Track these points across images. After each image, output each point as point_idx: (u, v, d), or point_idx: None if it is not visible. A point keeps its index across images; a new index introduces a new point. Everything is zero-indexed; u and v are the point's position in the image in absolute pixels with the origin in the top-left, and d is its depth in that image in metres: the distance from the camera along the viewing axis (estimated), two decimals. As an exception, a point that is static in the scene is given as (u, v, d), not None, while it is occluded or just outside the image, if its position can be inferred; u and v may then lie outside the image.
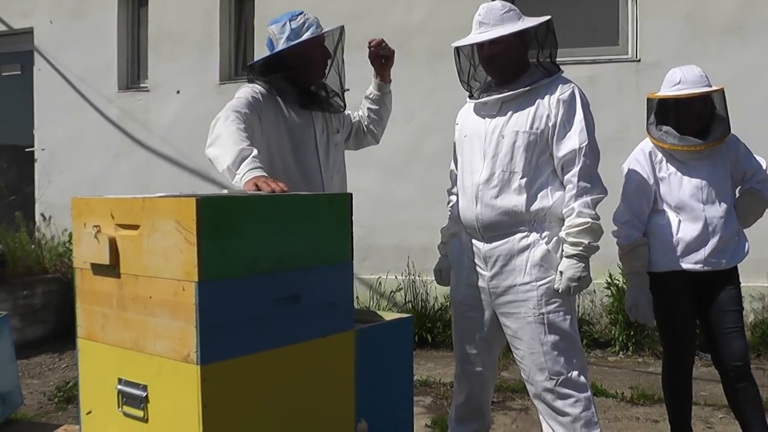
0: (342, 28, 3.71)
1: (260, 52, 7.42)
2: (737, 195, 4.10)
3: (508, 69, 3.53)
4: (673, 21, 6.84)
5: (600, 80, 6.84)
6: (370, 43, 3.84)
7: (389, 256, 7.16)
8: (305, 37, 3.54)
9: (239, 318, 2.33)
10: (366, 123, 4.00)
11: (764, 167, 4.10)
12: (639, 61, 6.94)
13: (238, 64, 8.12)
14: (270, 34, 3.62)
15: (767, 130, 6.40)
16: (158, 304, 2.33)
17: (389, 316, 2.97)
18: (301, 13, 3.59)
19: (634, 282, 4.05)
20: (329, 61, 3.68)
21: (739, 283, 4.06)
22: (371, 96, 3.98)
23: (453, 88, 3.82)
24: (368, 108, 4.00)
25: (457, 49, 3.67)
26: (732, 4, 6.76)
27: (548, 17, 3.55)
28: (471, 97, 3.69)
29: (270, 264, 2.40)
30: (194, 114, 7.66)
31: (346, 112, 3.89)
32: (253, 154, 3.02)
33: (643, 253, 3.97)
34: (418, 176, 7.01)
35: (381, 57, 3.86)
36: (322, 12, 7.47)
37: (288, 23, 3.56)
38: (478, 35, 3.53)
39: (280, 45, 3.57)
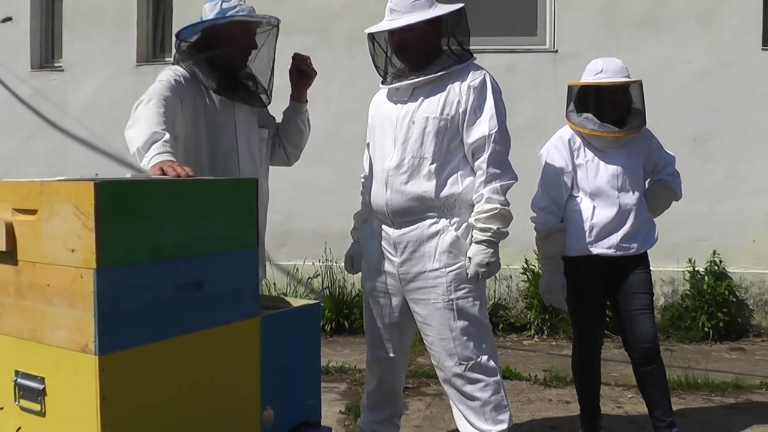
0: (271, 20, 3.67)
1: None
2: (647, 186, 4.24)
3: (419, 55, 3.54)
4: (590, 13, 6.97)
5: (518, 69, 6.92)
6: (294, 56, 3.80)
7: (307, 242, 7.13)
8: (232, 16, 3.50)
9: (140, 306, 2.28)
10: (278, 137, 3.92)
11: (674, 161, 4.26)
12: (556, 51, 7.05)
13: (156, 45, 7.96)
14: (202, 12, 3.57)
15: (679, 122, 6.61)
16: (56, 292, 2.27)
17: (297, 302, 2.96)
18: None
19: (549, 267, 4.13)
20: (254, 52, 3.64)
21: (649, 268, 4.18)
22: (284, 113, 3.92)
23: (372, 73, 3.81)
24: (280, 123, 3.93)
25: (371, 36, 3.67)
26: (645, -1, 6.91)
27: (461, 5, 3.58)
28: (384, 82, 3.69)
29: (173, 250, 2.36)
30: (111, 95, 7.49)
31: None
32: (164, 138, 2.98)
33: (559, 239, 4.05)
34: (337, 162, 6.98)
35: (302, 72, 3.81)
36: (242, -8, 7.37)
37: (220, 3, 3.51)
38: (389, 22, 3.54)
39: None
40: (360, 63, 6.66)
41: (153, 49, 7.89)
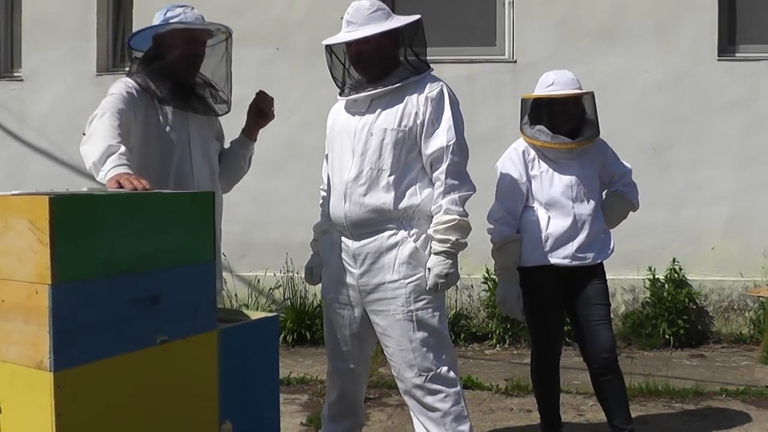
0: (226, 29, 3.66)
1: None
2: (604, 197, 4.30)
3: (376, 67, 3.55)
4: (549, 24, 7.02)
5: (478, 79, 6.96)
6: (258, 93, 3.81)
7: (268, 253, 7.09)
8: (170, 24, 3.50)
9: (96, 321, 2.26)
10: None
11: (630, 172, 4.32)
12: (515, 61, 7.09)
13: (117, 54, 7.89)
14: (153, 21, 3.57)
15: (636, 131, 6.69)
16: (11, 308, 2.25)
17: (255, 315, 2.95)
18: (183, 6, 3.54)
19: (504, 277, 4.15)
20: (208, 60, 3.63)
21: (606, 278, 4.23)
22: (231, 143, 3.90)
23: (332, 84, 3.82)
24: (224, 150, 3.89)
25: (328, 47, 3.67)
26: (603, 10, 6.99)
27: (417, 17, 3.60)
28: (341, 94, 3.70)
29: (129, 264, 2.34)
30: (71, 106, 7.41)
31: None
32: (119, 151, 2.96)
33: (514, 249, 4.08)
34: (297, 172, 6.97)
35: (261, 111, 3.82)
36: (201, 5, 7.31)
37: (166, 12, 3.52)
38: (346, 34, 3.56)
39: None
40: (319, 73, 6.61)
41: (113, 59, 7.83)
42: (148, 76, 3.48)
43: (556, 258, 4.08)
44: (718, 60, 6.94)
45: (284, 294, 7.08)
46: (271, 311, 6.91)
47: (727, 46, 7.05)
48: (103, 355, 2.28)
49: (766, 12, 7.10)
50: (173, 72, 3.52)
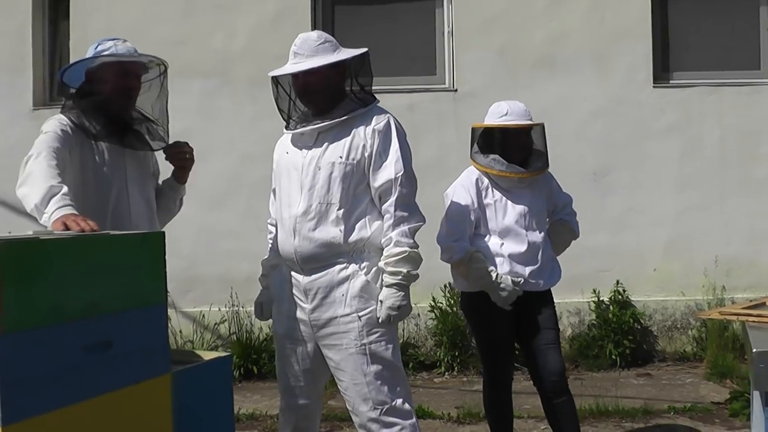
0: (161, 61, 3.59)
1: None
2: (549, 225, 4.33)
3: (323, 99, 3.53)
4: (488, 53, 7.12)
5: (419, 108, 7.00)
6: (166, 148, 3.67)
7: (213, 288, 7.00)
8: (100, 59, 3.43)
9: (46, 371, 2.18)
10: None
11: (571, 201, 4.41)
12: (456, 90, 7.16)
13: (54, 88, 7.76)
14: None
15: (579, 158, 6.80)
16: (-43, 360, 2.15)
17: (208, 355, 2.90)
18: (115, 39, 3.49)
19: (491, 286, 4.04)
20: (144, 94, 3.55)
21: (554, 303, 4.27)
22: (163, 183, 3.82)
23: (275, 116, 3.79)
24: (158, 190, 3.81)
25: (275, 79, 3.65)
26: (541, 40, 7.13)
27: (364, 50, 3.60)
28: (288, 127, 3.67)
29: (79, 310, 2.27)
30: (6, 141, 7.24)
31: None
32: (62, 192, 2.89)
33: (480, 257, 4.06)
34: (241, 205, 6.91)
35: (178, 162, 3.72)
36: (142, 36, 7.28)
37: (97, 45, 3.46)
38: (293, 65, 3.54)
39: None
40: (261, 106, 6.64)
41: (50, 92, 7.68)
42: (82, 112, 3.39)
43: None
44: (654, 87, 7.13)
45: (230, 329, 6.98)
46: (216, 347, 6.86)
47: (662, 73, 7.25)
48: (55, 405, 2.20)
49: (697, 40, 7.33)
50: (107, 107, 3.43)
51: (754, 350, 2.56)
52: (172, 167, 3.75)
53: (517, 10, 7.15)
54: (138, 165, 3.58)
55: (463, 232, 4.11)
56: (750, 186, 7.08)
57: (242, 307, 6.87)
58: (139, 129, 3.53)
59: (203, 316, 7.01)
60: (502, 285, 4.02)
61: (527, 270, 4.10)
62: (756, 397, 2.75)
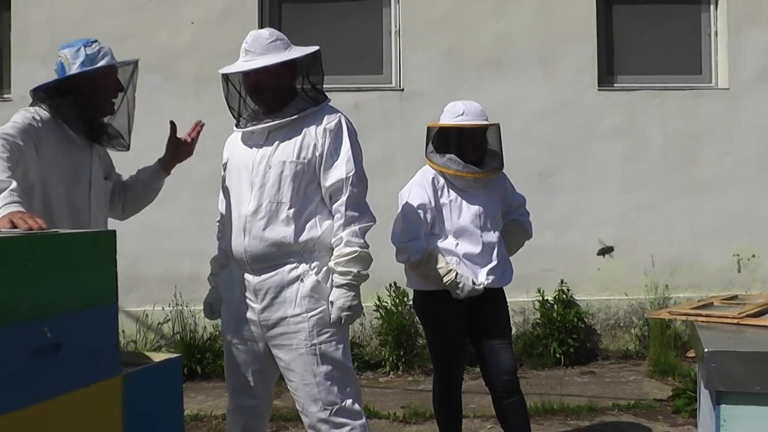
0: (137, 62, 3.57)
1: (17, 68, 6.99)
2: (503, 226, 4.34)
3: (274, 98, 3.51)
4: (435, 53, 7.14)
5: (365, 108, 6.99)
6: (196, 125, 3.76)
7: (156, 287, 6.90)
8: (101, 64, 3.40)
9: (-7, 375, 2.10)
10: (119, 189, 3.77)
11: (525, 202, 4.44)
12: (402, 90, 7.18)
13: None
14: (61, 59, 3.42)
15: (525, 158, 6.85)
16: None
17: (157, 356, 2.84)
18: (95, 41, 3.44)
19: (452, 283, 4.06)
20: (120, 94, 3.53)
21: (507, 303, 4.31)
22: (142, 174, 3.78)
23: (220, 113, 3.75)
24: (130, 180, 3.79)
25: (225, 76, 3.61)
26: (488, 40, 7.18)
27: (316, 48, 3.58)
28: (238, 125, 3.63)
29: (27, 311, 2.18)
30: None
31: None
32: (10, 187, 2.80)
33: (438, 256, 4.07)
34: (185, 203, 6.81)
35: (187, 146, 3.76)
36: (85, 30, 7.13)
37: (83, 48, 3.39)
38: (244, 63, 3.51)
39: (73, 70, 3.38)
40: (206, 103, 6.58)
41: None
42: (62, 109, 3.36)
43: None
44: (599, 89, 7.25)
45: (173, 328, 6.90)
46: (160, 347, 6.77)
47: (607, 77, 7.38)
48: (2, 410, 2.12)
49: (641, 44, 7.48)
50: (96, 109, 3.45)
51: (706, 350, 2.60)
52: (164, 157, 3.75)
53: (463, 11, 7.19)
54: (100, 165, 3.55)
55: (419, 231, 4.10)
56: (692, 188, 7.25)
57: (186, 306, 6.80)
58: (116, 128, 3.53)
59: (146, 315, 6.90)
60: (460, 285, 4.04)
61: (482, 270, 4.12)
62: (705, 396, 2.79)
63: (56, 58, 3.45)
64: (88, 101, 3.40)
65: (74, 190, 3.38)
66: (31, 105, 3.42)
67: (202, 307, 3.86)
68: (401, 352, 6.80)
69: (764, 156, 7.31)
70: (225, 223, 3.67)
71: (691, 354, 6.69)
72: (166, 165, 3.77)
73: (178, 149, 3.76)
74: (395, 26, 7.29)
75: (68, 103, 3.37)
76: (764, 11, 7.35)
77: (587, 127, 7.19)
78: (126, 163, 3.82)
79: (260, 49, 3.48)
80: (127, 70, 3.55)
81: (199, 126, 3.79)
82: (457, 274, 4.04)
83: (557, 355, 6.79)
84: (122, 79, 3.53)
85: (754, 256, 7.29)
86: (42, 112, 3.34)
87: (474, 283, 4.06)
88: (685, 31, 7.52)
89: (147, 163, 3.79)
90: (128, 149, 3.61)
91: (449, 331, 4.17)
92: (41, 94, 3.41)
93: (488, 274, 4.13)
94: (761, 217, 7.28)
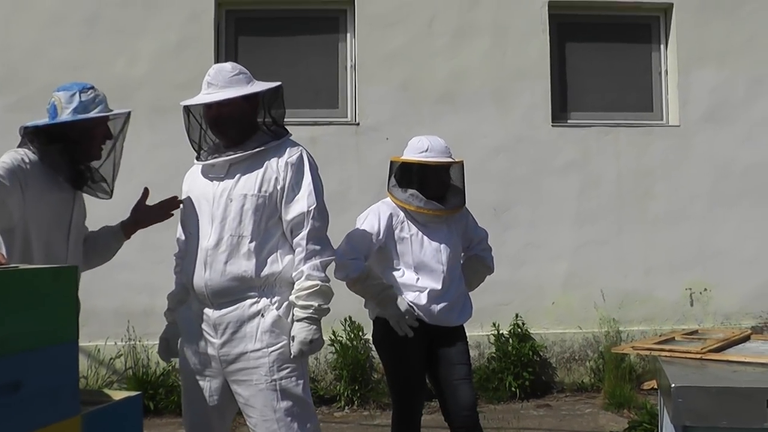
0: (129, 114, 3.56)
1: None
2: (463, 260, 4.38)
3: (235, 131, 3.49)
4: (390, 88, 7.20)
5: (321, 141, 6.99)
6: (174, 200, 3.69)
7: (108, 321, 6.76)
8: (94, 113, 3.38)
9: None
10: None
11: (487, 237, 4.45)
12: (358, 124, 7.20)
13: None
14: (55, 100, 3.39)
15: (479, 193, 6.84)
16: None
17: (116, 394, 2.78)
18: (92, 87, 3.42)
19: (388, 300, 4.06)
20: (109, 142, 3.50)
21: (467, 339, 4.29)
22: (103, 232, 3.75)
23: (174, 145, 3.72)
24: (91, 234, 3.74)
25: (186, 108, 3.59)
26: (443, 76, 7.26)
27: (278, 83, 3.59)
28: (198, 158, 3.61)
29: (-14, 348, 2.14)
30: None
31: None
32: None
33: (375, 274, 4.07)
34: (138, 236, 6.60)
35: (162, 214, 3.72)
36: (39, 58, 7.08)
37: (78, 94, 3.36)
38: (206, 96, 3.50)
39: (65, 115, 3.35)
40: (161, 135, 6.55)
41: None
42: (50, 153, 3.33)
43: (425, 318, 4.09)
44: (552, 126, 7.37)
45: (126, 363, 6.77)
46: (112, 382, 6.63)
47: (560, 113, 7.50)
48: (-45, 450, 2.06)
49: (593, 82, 7.64)
50: (84, 155, 3.43)
51: (673, 385, 2.63)
52: (127, 221, 3.73)
53: (419, 46, 7.26)
54: (80, 210, 3.54)
55: (361, 254, 4.10)
56: (645, 222, 7.37)
57: (139, 341, 6.69)
58: (101, 174, 3.52)
59: (98, 350, 6.77)
60: (397, 302, 4.03)
61: (440, 308, 4.11)
62: (671, 430, 2.81)
63: (37, 93, 3.42)
64: (77, 149, 3.38)
65: (54, 233, 3.36)
66: (20, 143, 3.39)
67: (155, 342, 3.81)
68: (356, 387, 6.76)
69: (715, 191, 7.48)
70: (184, 257, 3.62)
71: (646, 386, 6.76)
72: (127, 228, 3.74)
73: (147, 215, 3.74)
74: (351, 61, 7.33)
75: (56, 148, 3.34)
76: (712, 51, 7.56)
77: (541, 163, 7.29)
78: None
79: (223, 82, 3.47)
80: (119, 120, 3.53)
81: (177, 202, 3.71)
82: (392, 289, 4.04)
83: (513, 389, 6.81)
84: (113, 127, 3.51)
85: (706, 289, 7.42)
86: (31, 155, 3.32)
87: (411, 306, 4.04)
88: (637, 70, 7.71)
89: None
90: (111, 196, 3.59)
91: (410, 366, 4.15)
92: (30, 134, 3.38)
93: (448, 312, 4.14)
94: (713, 251, 7.43)
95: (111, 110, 3.47)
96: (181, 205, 3.68)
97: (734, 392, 2.67)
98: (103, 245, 3.73)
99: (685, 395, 2.63)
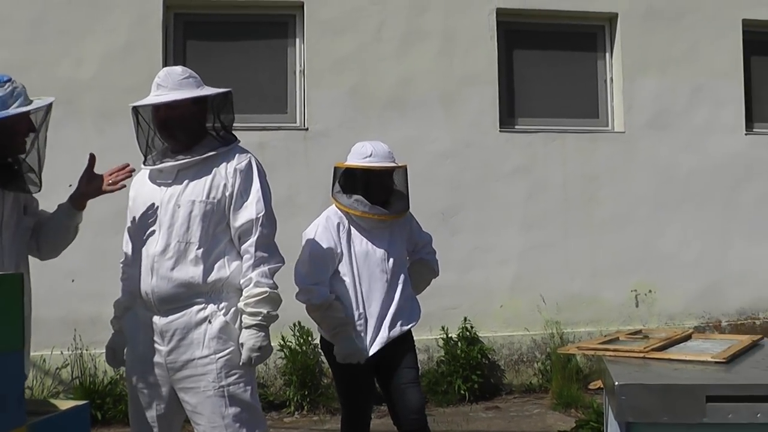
0: (50, 105, 3.42)
1: None
2: (409, 265, 4.40)
3: (184, 135, 3.48)
4: (339, 93, 7.21)
5: (269, 147, 6.97)
6: (123, 168, 3.55)
7: (55, 330, 6.61)
8: (14, 108, 3.26)
9: None
10: (36, 228, 3.60)
11: (431, 240, 4.48)
12: (307, 129, 7.19)
13: None
14: None
15: (427, 198, 6.93)
16: None
17: (64, 404, 2.74)
18: (9, 80, 3.29)
19: (344, 334, 4.07)
20: (32, 135, 3.38)
21: (414, 342, 4.32)
22: (56, 214, 3.61)
23: (123, 150, 3.67)
24: (45, 219, 3.62)
25: (135, 110, 3.56)
26: (391, 82, 7.30)
27: (228, 89, 3.58)
28: (145, 163, 3.58)
29: (-74, 358, 2.11)
30: None
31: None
32: None
33: (338, 306, 4.07)
34: (86, 243, 6.55)
35: (111, 184, 3.55)
36: (-17, 59, 6.86)
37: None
38: (155, 97, 3.47)
39: None
40: (109, 139, 6.45)
41: None
42: None
43: (370, 328, 4.11)
44: (500, 132, 7.44)
45: (72, 373, 6.66)
46: (58, 392, 6.51)
47: (508, 119, 7.58)
48: None
49: (540, 89, 7.75)
50: (6, 150, 3.33)
51: (616, 383, 2.69)
52: (73, 194, 3.55)
53: (368, 52, 7.28)
54: (12, 208, 3.41)
55: (324, 276, 4.10)
56: (591, 226, 7.50)
57: (86, 350, 6.59)
58: (27, 172, 3.39)
59: (44, 360, 6.64)
60: (348, 342, 4.04)
61: (388, 313, 4.13)
62: (614, 427, 2.88)
63: None
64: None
65: None
66: None
67: (102, 350, 3.76)
68: (306, 392, 6.76)
69: (659, 195, 7.65)
70: (131, 263, 3.58)
71: (593, 386, 6.86)
72: (76, 201, 3.57)
73: (92, 183, 3.56)
74: (300, 66, 7.33)
75: None
76: (655, 60, 7.74)
77: (489, 168, 7.37)
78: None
79: (172, 84, 3.45)
80: (41, 112, 3.41)
81: (128, 170, 3.56)
82: (348, 326, 4.05)
83: (462, 392, 6.86)
84: (35, 119, 3.39)
85: (650, 291, 7.57)
86: None
87: (361, 351, 4.06)
88: (583, 77, 7.85)
89: (49, 201, 3.65)
90: (40, 188, 3.45)
91: (358, 372, 4.15)
92: None
93: (397, 317, 4.16)
94: (657, 253, 7.60)
95: (31, 101, 3.34)
96: (129, 204, 3.61)
97: (675, 389, 2.75)
98: (58, 227, 3.59)
99: (628, 393, 2.70)
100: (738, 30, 7.92)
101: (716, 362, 3.07)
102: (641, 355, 3.24)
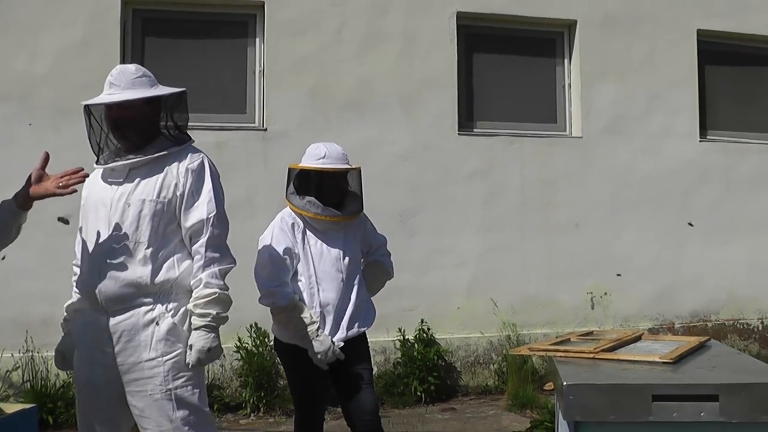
0: None
1: None
2: (363, 266, 4.38)
3: (136, 134, 3.43)
4: (298, 94, 7.19)
5: (228, 147, 6.94)
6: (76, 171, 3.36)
7: (5, 332, 6.51)
8: None
9: None
10: None
11: (386, 242, 4.48)
12: (266, 130, 7.17)
13: None
14: None
15: (385, 199, 6.96)
16: None
17: (10, 407, 2.70)
18: None
19: (313, 335, 4.03)
20: None
21: (368, 343, 4.33)
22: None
23: (78, 148, 3.62)
24: None
25: (87, 108, 3.51)
26: (351, 83, 7.30)
27: (182, 89, 3.55)
28: (98, 162, 3.53)
29: None
30: None
31: None
32: None
33: (303, 306, 4.04)
34: (38, 243, 6.50)
35: (61, 189, 3.35)
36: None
37: None
38: (107, 96, 3.42)
39: None
40: (64, 137, 6.36)
41: None
42: None
43: (327, 328, 4.09)
44: (459, 134, 7.49)
45: (23, 376, 6.53)
46: (8, 396, 6.39)
47: (466, 122, 7.63)
48: None
49: (499, 93, 7.81)
50: None
51: (564, 383, 2.72)
52: (19, 192, 3.40)
53: (327, 53, 7.28)
54: None
55: (286, 277, 4.08)
56: (548, 229, 7.57)
57: (38, 352, 6.47)
58: None
59: (-6, 363, 6.54)
60: (320, 339, 4.01)
61: (343, 316, 4.12)
62: (564, 426, 2.91)
63: None
64: None
65: None
66: None
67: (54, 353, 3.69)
68: (262, 394, 6.73)
69: (615, 200, 7.76)
70: (81, 263, 3.52)
71: (547, 387, 6.92)
72: (20, 201, 3.42)
73: (42, 186, 3.40)
74: (259, 66, 7.30)
75: None
76: (612, 67, 7.85)
77: (447, 171, 7.40)
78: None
79: (125, 83, 3.41)
80: None
81: (81, 174, 3.36)
82: (319, 327, 4.03)
83: (418, 393, 6.88)
84: None
85: (606, 293, 7.66)
86: None
87: (333, 343, 4.03)
88: (541, 83, 7.93)
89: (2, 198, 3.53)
90: None
91: (311, 374, 4.13)
92: None
93: (353, 320, 4.15)
94: (612, 257, 7.70)
95: None
96: (82, 203, 3.55)
97: (622, 388, 2.79)
98: (4, 229, 3.45)
99: (576, 392, 2.73)
100: (693, 39, 8.08)
101: (663, 362, 3.13)
102: (591, 355, 3.28)
